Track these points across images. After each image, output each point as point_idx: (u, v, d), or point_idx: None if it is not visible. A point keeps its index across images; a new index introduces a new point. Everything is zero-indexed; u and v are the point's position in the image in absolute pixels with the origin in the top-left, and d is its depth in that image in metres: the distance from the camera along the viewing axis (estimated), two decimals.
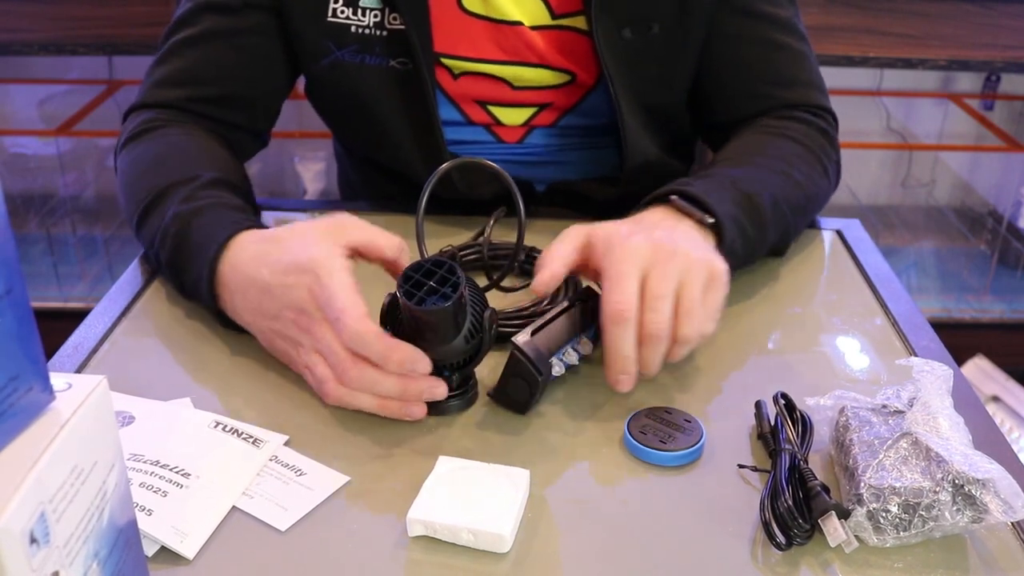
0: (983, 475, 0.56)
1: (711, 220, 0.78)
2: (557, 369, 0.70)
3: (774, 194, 0.85)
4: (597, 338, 0.73)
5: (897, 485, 0.58)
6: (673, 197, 0.80)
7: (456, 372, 0.69)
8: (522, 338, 0.68)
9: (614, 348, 0.68)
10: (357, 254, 0.72)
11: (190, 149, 0.89)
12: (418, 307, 0.63)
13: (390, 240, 0.72)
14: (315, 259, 0.68)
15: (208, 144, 0.91)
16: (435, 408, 0.69)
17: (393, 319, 0.68)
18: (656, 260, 0.69)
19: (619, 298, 0.68)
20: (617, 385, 0.69)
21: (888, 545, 0.58)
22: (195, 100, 0.94)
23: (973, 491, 0.56)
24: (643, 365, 0.69)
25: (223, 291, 0.75)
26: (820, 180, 0.93)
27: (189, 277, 0.77)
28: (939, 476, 0.57)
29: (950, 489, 0.57)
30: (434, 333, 0.65)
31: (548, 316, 0.71)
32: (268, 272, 0.70)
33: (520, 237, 0.74)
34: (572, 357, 0.71)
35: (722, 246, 0.78)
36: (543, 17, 0.94)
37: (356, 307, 0.65)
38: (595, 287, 0.74)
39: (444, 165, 0.76)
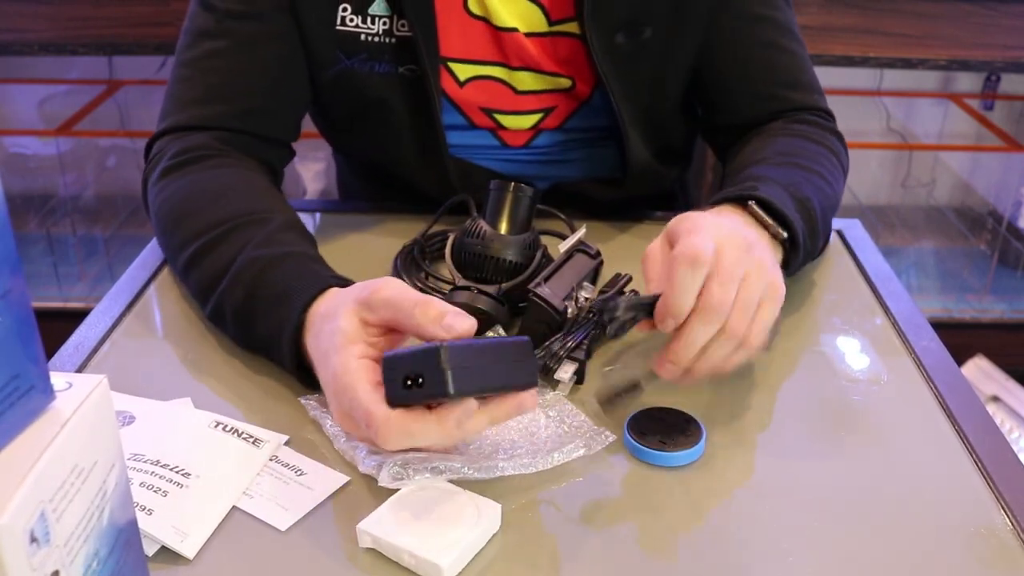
0: None
1: (785, 235, 0.77)
2: (571, 311, 0.76)
3: (821, 203, 0.84)
4: (595, 281, 0.82)
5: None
6: (751, 203, 0.77)
7: (508, 303, 0.78)
8: (538, 286, 0.75)
9: (678, 302, 0.64)
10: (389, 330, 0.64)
11: (249, 186, 0.85)
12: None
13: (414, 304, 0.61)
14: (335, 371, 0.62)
15: (262, 181, 0.87)
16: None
17: (459, 256, 0.79)
18: (731, 242, 0.66)
19: (696, 241, 0.64)
20: (664, 367, 0.66)
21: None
22: (234, 115, 0.90)
23: None
24: (691, 345, 0.64)
25: (308, 336, 0.69)
26: (842, 184, 0.93)
27: (271, 321, 0.72)
28: None
29: None
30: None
31: (553, 266, 0.78)
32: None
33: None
34: (581, 300, 0.77)
35: (788, 264, 0.79)
36: (540, 24, 0.93)
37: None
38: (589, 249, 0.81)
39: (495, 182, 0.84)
